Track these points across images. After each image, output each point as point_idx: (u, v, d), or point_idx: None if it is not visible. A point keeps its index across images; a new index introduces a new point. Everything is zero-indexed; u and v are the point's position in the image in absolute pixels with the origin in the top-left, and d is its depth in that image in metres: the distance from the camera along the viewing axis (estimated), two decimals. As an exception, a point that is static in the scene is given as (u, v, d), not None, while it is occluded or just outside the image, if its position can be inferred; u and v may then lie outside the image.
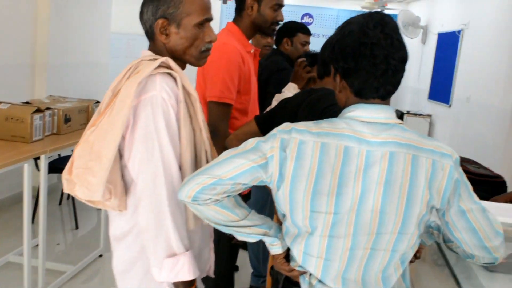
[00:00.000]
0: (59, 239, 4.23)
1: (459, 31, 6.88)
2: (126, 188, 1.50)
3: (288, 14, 9.22)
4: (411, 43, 9.10)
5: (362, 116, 1.30)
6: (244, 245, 3.42)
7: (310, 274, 1.38)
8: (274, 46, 3.56)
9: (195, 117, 1.51)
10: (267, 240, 1.42)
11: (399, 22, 8.18)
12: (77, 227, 4.37)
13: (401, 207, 1.28)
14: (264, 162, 1.30)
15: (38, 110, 3.10)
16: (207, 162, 1.53)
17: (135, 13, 1.62)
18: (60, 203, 4.87)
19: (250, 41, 2.46)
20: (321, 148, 1.27)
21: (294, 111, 1.89)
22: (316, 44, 7.32)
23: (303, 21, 9.36)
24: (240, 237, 1.41)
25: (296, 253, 1.38)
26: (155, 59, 1.46)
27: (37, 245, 3.12)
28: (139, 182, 1.44)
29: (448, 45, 7.32)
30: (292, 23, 3.58)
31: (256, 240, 1.41)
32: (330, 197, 1.27)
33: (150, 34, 1.54)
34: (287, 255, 1.44)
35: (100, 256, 3.80)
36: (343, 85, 1.34)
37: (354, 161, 1.26)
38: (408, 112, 8.11)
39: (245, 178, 1.30)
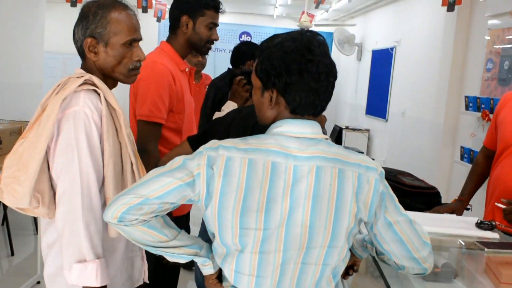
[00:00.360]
0: (4, 264, 4.08)
1: (391, 48, 7.15)
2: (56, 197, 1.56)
3: (226, 32, 9.42)
4: (347, 60, 9.39)
5: (289, 131, 1.31)
6: (190, 264, 3.37)
7: None
8: (230, 67, 3.45)
9: (120, 131, 1.59)
10: (198, 261, 1.40)
11: (335, 40, 8.40)
12: (12, 254, 4.20)
13: (330, 221, 1.29)
14: (191, 180, 1.28)
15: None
16: (133, 173, 1.61)
17: (70, 32, 1.68)
18: (2, 224, 4.68)
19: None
20: (249, 165, 1.27)
21: (226, 130, 1.90)
22: None
23: (241, 39, 9.44)
24: (170, 258, 1.38)
25: (227, 272, 1.36)
26: (82, 77, 1.55)
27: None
28: (57, 190, 1.52)
29: (382, 61, 7.61)
30: (255, 46, 3.43)
31: (187, 261, 1.39)
32: (259, 214, 1.26)
33: (81, 52, 1.63)
34: (220, 275, 1.42)
35: (38, 283, 3.66)
36: (279, 101, 1.33)
37: (282, 177, 1.27)
38: (347, 127, 8.32)
39: (172, 197, 1.28)
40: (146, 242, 1.34)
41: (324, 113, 1.55)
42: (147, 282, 1.80)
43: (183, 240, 1.38)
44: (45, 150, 1.49)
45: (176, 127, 2.34)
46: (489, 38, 4.49)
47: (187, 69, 2.43)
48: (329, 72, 1.32)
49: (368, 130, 8.17)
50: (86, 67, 1.64)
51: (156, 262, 1.87)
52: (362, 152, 5.78)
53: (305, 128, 1.32)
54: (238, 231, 1.28)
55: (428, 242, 1.42)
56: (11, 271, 4.01)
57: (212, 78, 3.90)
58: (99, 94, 1.56)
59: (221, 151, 1.29)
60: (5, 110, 4.89)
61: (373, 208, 1.34)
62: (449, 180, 5.23)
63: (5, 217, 4.35)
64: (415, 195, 2.88)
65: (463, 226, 2.16)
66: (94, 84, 1.56)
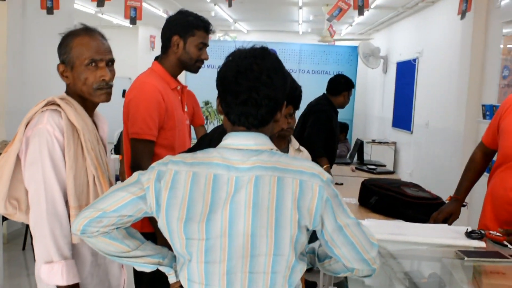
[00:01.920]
0: (24, 285, 4.15)
1: (414, 60, 7.08)
2: None
3: (249, 50, 9.34)
4: (373, 73, 9.34)
5: (233, 144, 1.37)
6: None
7: None
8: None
9: (80, 146, 1.72)
10: (162, 270, 1.48)
11: (360, 53, 8.38)
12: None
13: (271, 229, 1.32)
14: (142, 194, 1.37)
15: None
16: (95, 185, 1.74)
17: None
18: (23, 249, 4.79)
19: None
20: (192, 177, 1.33)
21: (208, 145, 1.95)
22: None
23: (267, 56, 9.50)
24: (136, 267, 1.49)
25: (182, 280, 1.41)
26: (48, 100, 1.74)
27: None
28: (29, 197, 1.71)
29: (406, 73, 7.56)
30: (350, 80, 4.42)
31: (152, 270, 1.49)
32: (201, 224, 1.32)
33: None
34: None
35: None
36: (221, 110, 1.42)
37: (224, 188, 1.32)
38: (373, 141, 8.25)
39: (128, 210, 1.38)
40: (109, 252, 1.44)
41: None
42: None
43: (146, 251, 1.46)
44: (14, 163, 1.69)
45: (168, 143, 2.40)
46: (503, 45, 4.41)
47: (178, 87, 2.50)
48: (252, 87, 1.34)
49: (394, 143, 8.07)
50: (66, 91, 1.81)
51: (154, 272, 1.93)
52: (384, 165, 5.71)
53: (248, 140, 1.37)
54: (184, 241, 1.34)
55: (376, 243, 1.43)
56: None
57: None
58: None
59: (170, 166, 1.36)
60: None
61: (318, 214, 1.34)
62: (473, 190, 5.09)
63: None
64: (418, 206, 2.85)
65: (452, 236, 2.13)
66: (57, 104, 1.72)
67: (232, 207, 1.32)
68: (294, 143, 2.82)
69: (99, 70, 1.76)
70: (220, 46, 9.29)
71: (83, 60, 1.74)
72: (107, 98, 1.80)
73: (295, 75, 9.23)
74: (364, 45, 8.59)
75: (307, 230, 1.37)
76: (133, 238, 1.46)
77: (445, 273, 1.96)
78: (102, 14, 8.85)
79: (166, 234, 1.38)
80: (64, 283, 1.64)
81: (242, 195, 1.32)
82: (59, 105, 1.71)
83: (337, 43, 9.46)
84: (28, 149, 1.69)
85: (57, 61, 1.81)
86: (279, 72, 1.39)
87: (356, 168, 5.08)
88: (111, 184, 1.84)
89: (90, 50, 1.75)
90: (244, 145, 1.36)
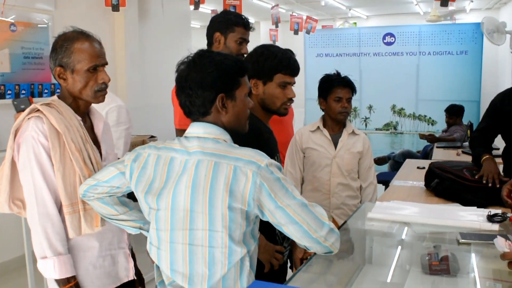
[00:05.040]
0: None
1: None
2: None
3: (369, 36, 9.35)
4: (503, 50, 8.64)
5: (188, 132, 1.62)
6: None
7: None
8: None
9: (65, 148, 1.82)
10: (144, 233, 1.80)
11: (484, 30, 7.83)
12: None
13: (206, 207, 1.51)
14: (123, 171, 1.67)
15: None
16: (80, 182, 1.82)
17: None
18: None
19: None
20: (157, 159, 1.60)
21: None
22: (400, 63, 7.91)
23: (385, 41, 9.31)
24: (122, 228, 1.85)
25: (148, 242, 1.68)
26: (31, 108, 1.85)
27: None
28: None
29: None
30: None
31: (135, 232, 1.83)
32: (154, 196, 1.58)
33: (56, 80, 1.88)
34: None
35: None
36: None
37: (176, 169, 1.56)
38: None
39: (115, 182, 1.70)
40: (102, 213, 1.81)
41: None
42: (134, 278, 2.06)
43: (131, 216, 1.80)
44: (10, 168, 1.86)
45: None
46: None
47: None
48: (188, 76, 1.58)
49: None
50: (61, 92, 1.92)
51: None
52: (497, 149, 5.33)
53: (198, 128, 1.60)
54: (147, 210, 1.62)
55: (327, 223, 1.52)
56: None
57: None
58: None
59: (147, 150, 1.63)
60: (146, 127, 5.68)
61: (251, 197, 1.48)
62: None
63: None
64: (477, 190, 2.74)
65: (471, 219, 2.08)
66: (39, 111, 1.83)
67: (177, 185, 1.54)
68: (349, 127, 2.88)
69: (99, 74, 1.87)
70: (338, 34, 9.30)
71: (85, 65, 1.83)
72: (103, 99, 1.93)
73: (414, 58, 8.95)
74: (488, 21, 7.96)
75: (244, 212, 1.51)
76: (123, 205, 1.79)
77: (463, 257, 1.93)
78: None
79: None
80: (57, 277, 1.80)
81: (185, 176, 1.53)
82: (42, 111, 1.82)
83: (458, 20, 8.92)
84: (19, 155, 1.84)
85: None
86: (205, 64, 1.56)
87: (463, 152, 4.84)
88: None
89: (92, 55, 1.84)
90: (195, 133, 1.59)
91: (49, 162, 1.81)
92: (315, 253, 1.74)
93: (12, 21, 4.50)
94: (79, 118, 1.90)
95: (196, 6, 5.97)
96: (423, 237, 2.10)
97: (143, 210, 1.65)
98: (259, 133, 2.03)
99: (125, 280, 2.03)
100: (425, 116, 8.64)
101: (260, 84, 2.10)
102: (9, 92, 4.34)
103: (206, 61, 1.57)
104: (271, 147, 2.08)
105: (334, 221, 2.89)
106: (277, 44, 10.65)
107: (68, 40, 1.84)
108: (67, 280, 1.82)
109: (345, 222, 2.20)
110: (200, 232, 1.53)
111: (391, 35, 9.45)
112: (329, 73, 2.88)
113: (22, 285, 3.50)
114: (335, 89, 2.78)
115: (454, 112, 6.40)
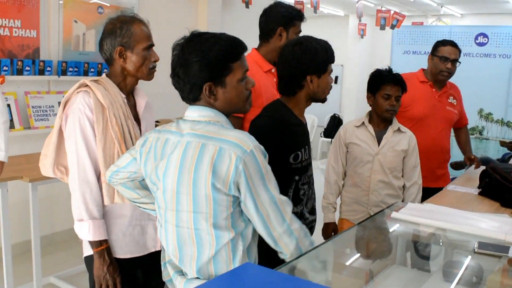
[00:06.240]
0: None
1: None
2: None
3: (461, 35, 8.95)
4: None
5: (185, 116, 1.67)
6: None
7: None
8: None
9: (108, 122, 1.96)
10: None
11: None
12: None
13: (190, 187, 1.54)
14: (136, 156, 1.75)
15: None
16: (118, 155, 1.96)
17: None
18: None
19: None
20: (156, 141, 1.66)
21: None
22: (492, 65, 7.85)
23: (477, 41, 8.89)
24: (142, 209, 1.92)
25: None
26: (80, 82, 2.01)
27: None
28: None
29: None
30: None
31: (155, 214, 1.81)
32: (152, 176, 1.67)
33: (110, 60, 2.04)
34: None
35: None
36: None
37: (169, 150, 1.61)
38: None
39: (132, 167, 1.77)
40: (127, 197, 1.91)
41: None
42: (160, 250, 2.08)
43: (152, 199, 1.82)
44: (57, 137, 2.03)
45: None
46: None
47: (273, 70, 2.81)
48: (175, 67, 1.63)
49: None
50: (111, 72, 2.07)
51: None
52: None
53: (193, 112, 1.65)
54: (154, 190, 1.71)
55: (287, 221, 1.54)
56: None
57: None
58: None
59: (152, 134, 1.71)
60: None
61: (232, 181, 1.50)
62: None
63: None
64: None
65: (497, 229, 2.02)
66: (88, 86, 1.99)
67: (167, 166, 1.60)
68: (395, 124, 2.86)
69: (152, 53, 2.05)
70: (428, 32, 9.00)
71: (143, 44, 2.00)
72: (153, 77, 2.10)
73: (508, 61, 8.44)
74: None
75: (226, 195, 1.53)
76: (144, 189, 1.84)
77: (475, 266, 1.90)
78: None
79: None
80: (91, 239, 1.97)
81: (174, 157, 1.59)
82: (90, 87, 1.98)
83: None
84: (66, 125, 2.01)
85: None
86: (194, 52, 1.58)
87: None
88: None
89: (148, 36, 2.03)
90: (190, 117, 1.65)
91: (93, 133, 1.96)
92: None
93: (101, 2, 4.82)
94: (124, 95, 2.05)
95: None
96: (446, 243, 2.08)
97: (150, 188, 1.74)
98: (285, 125, 2.11)
99: (152, 250, 2.15)
100: (515, 123, 8.19)
101: (315, 78, 2.19)
102: (92, 70, 4.70)
103: (193, 49, 1.57)
104: (298, 139, 2.15)
105: (344, 222, 2.91)
106: (365, 38, 10.45)
107: (126, 23, 2.01)
108: (99, 243, 1.99)
109: (367, 219, 2.21)
110: (185, 214, 1.58)
111: (484, 35, 8.98)
112: (380, 68, 2.87)
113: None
114: (385, 86, 2.77)
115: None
